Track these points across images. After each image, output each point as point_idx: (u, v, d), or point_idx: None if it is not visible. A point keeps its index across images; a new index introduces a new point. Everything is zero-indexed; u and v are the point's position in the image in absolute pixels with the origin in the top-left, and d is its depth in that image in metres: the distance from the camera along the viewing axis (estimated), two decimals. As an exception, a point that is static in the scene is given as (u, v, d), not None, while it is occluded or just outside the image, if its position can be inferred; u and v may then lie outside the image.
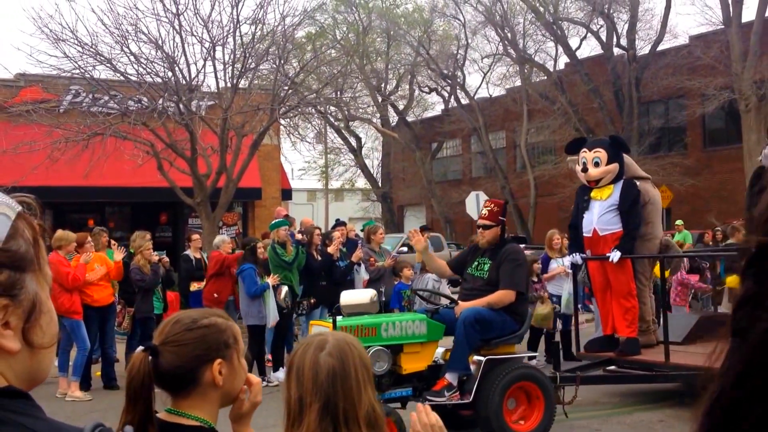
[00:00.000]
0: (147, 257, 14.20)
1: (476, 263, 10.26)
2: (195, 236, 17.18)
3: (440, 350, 10.08)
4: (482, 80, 48.18)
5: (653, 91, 36.60)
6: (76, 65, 20.35)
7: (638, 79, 37.00)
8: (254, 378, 3.07)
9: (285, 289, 13.87)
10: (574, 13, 40.86)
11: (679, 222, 26.67)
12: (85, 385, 13.46)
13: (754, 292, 1.19)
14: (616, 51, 38.83)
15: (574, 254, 12.44)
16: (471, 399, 9.63)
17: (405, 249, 30.10)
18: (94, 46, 20.22)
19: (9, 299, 1.50)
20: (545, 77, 41.64)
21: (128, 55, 20.65)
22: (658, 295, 15.01)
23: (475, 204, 25.75)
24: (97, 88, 21.01)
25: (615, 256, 11.62)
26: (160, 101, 20.64)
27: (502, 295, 9.82)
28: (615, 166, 11.91)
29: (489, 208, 10.40)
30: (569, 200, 23.96)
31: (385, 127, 45.87)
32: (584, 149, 12.18)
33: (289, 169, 47.94)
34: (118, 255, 14.12)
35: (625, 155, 12.54)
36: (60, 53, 20.00)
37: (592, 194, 12.04)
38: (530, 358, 11.19)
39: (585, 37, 40.63)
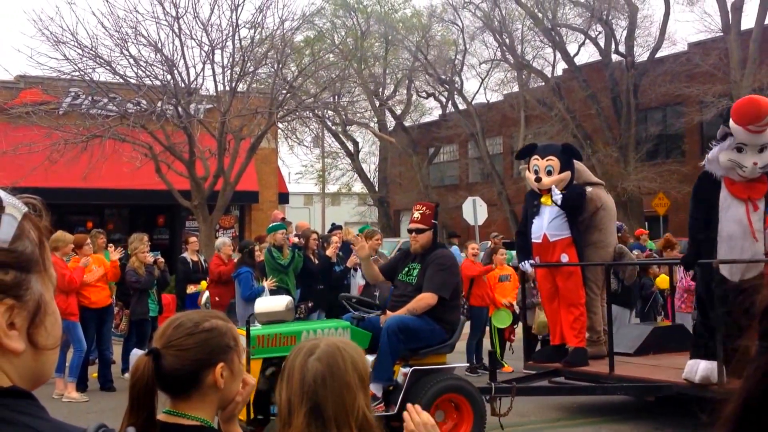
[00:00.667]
0: (142, 259, 14.24)
1: (407, 269, 9.90)
2: (192, 239, 17.19)
3: (369, 359, 9.31)
4: (480, 86, 48.36)
5: (651, 98, 36.59)
6: (76, 67, 20.42)
7: (636, 86, 36.99)
8: (250, 378, 3.11)
9: (206, 295, 13.72)
10: (573, 19, 40.85)
11: (643, 230, 26.42)
12: (82, 386, 13.46)
13: None
14: (615, 57, 38.79)
15: (523, 262, 12.07)
16: (396, 411, 9.13)
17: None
18: (93, 49, 20.31)
19: (14, 300, 1.50)
20: (543, 83, 41.59)
21: (128, 57, 20.75)
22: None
23: (472, 210, 25.80)
24: (96, 90, 21.03)
25: (557, 197, 11.45)
26: (159, 104, 20.69)
27: (422, 299, 9.41)
28: (567, 174, 11.67)
29: (421, 212, 9.94)
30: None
31: (382, 132, 45.87)
32: (536, 156, 11.85)
33: (286, 173, 48.03)
34: (115, 255, 14.12)
35: (578, 162, 12.37)
36: (60, 55, 20.13)
37: (543, 200, 11.75)
38: (474, 369, 10.77)
39: (583, 43, 40.63)
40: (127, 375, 9.66)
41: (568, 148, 12.14)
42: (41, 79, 22.57)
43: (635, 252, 15.91)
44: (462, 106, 46.26)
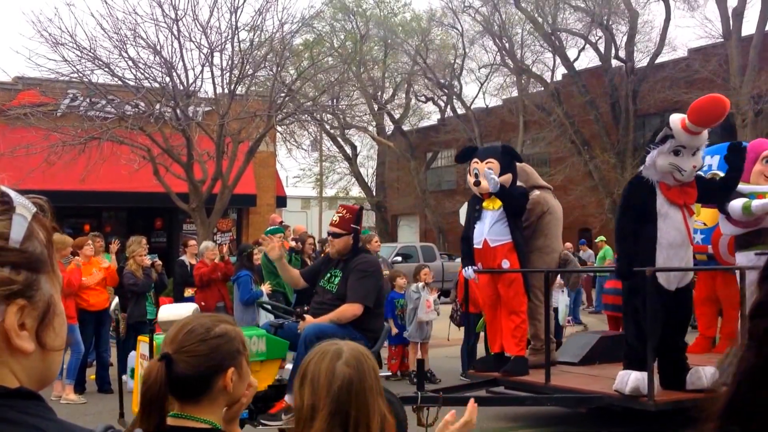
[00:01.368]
0: (139, 262, 14.19)
1: (328, 275, 9.32)
2: (191, 242, 17.13)
3: (290, 367, 9.16)
4: (479, 90, 48.25)
5: (650, 104, 36.57)
6: (75, 69, 20.35)
7: (635, 92, 36.99)
8: (254, 380, 3.13)
9: (116, 300, 13.48)
10: (573, 24, 40.89)
11: (601, 238, 26.34)
12: (80, 388, 13.46)
13: None
14: (614, 63, 38.82)
15: (466, 268, 11.55)
16: None
17: (399, 258, 30.16)
18: (92, 51, 20.24)
19: (26, 300, 1.50)
20: (542, 88, 41.63)
21: (126, 59, 20.67)
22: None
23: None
24: (94, 92, 20.99)
25: (493, 186, 10.87)
26: (157, 106, 20.64)
27: (346, 310, 8.89)
28: (508, 177, 11.17)
29: (341, 215, 9.35)
30: (565, 211, 23.88)
31: (380, 136, 45.95)
32: (475, 159, 11.33)
33: (283, 177, 47.95)
34: (113, 247, 14.07)
35: (525, 165, 12.21)
36: (59, 57, 20.04)
37: (484, 204, 11.28)
38: (386, 377, 10.11)
39: (583, 48, 40.68)
40: (125, 377, 9.58)
41: (509, 150, 11.75)
42: (39, 81, 22.52)
43: None
44: (461, 111, 46.31)
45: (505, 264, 11.11)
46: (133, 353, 9.75)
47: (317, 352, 3.07)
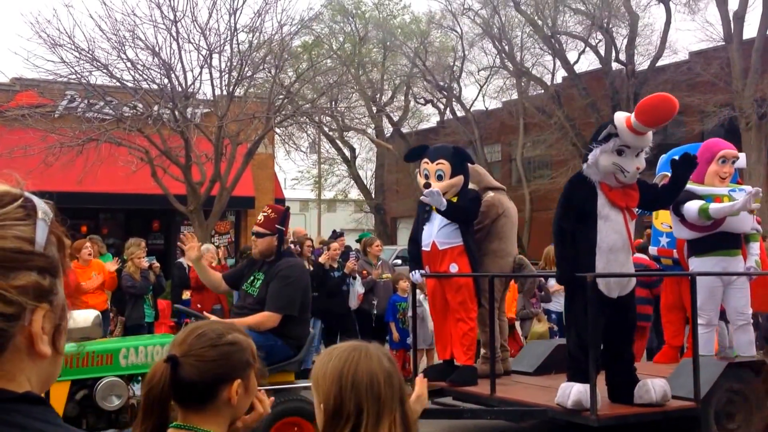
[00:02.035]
0: (138, 265, 14.10)
1: (251, 278, 8.93)
2: (189, 245, 17.01)
3: None
4: (479, 93, 48.10)
5: (651, 107, 36.46)
6: (73, 70, 20.29)
7: (636, 95, 36.84)
8: (267, 406, 3.04)
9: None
10: (573, 27, 40.82)
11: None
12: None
13: None
14: (615, 66, 38.75)
15: (413, 272, 10.97)
16: None
17: (399, 261, 30.04)
18: (91, 52, 20.17)
19: (48, 305, 1.55)
20: (542, 91, 41.58)
21: (125, 61, 20.62)
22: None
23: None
24: (92, 93, 20.92)
25: (438, 205, 10.24)
26: (156, 108, 20.56)
27: (263, 319, 8.44)
28: (460, 179, 10.64)
29: (266, 214, 9.04)
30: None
31: (379, 138, 45.80)
32: (425, 160, 10.77)
33: (282, 179, 47.88)
34: (112, 266, 13.98)
35: (477, 166, 11.79)
36: (57, 58, 19.98)
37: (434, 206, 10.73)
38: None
39: (583, 51, 40.62)
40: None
41: (460, 151, 11.18)
42: (37, 82, 22.47)
43: None
44: (460, 113, 46.20)
45: (454, 268, 10.55)
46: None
47: (343, 354, 2.92)
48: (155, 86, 20.87)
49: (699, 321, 10.15)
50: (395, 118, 48.79)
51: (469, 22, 43.48)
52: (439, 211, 10.44)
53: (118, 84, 21.01)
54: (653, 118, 8.67)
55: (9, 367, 1.51)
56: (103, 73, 20.70)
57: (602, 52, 38.85)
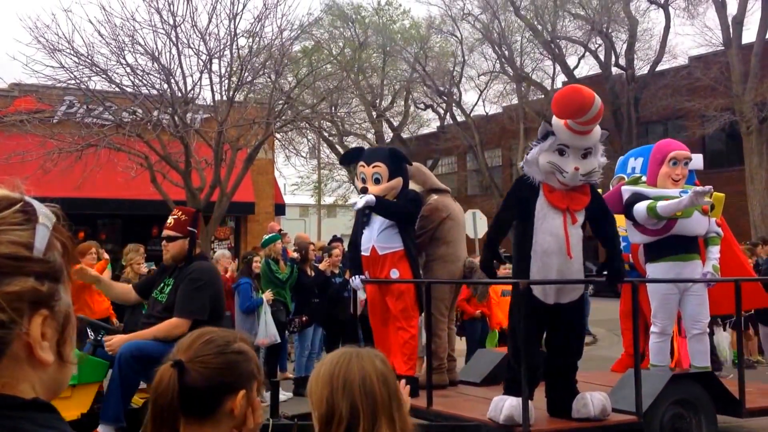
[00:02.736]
0: (137, 271, 14.05)
1: (162, 285, 8.37)
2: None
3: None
4: (479, 98, 48.07)
5: (652, 111, 36.49)
6: (72, 76, 20.21)
7: (637, 99, 36.91)
8: (258, 417, 2.86)
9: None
10: (573, 31, 40.84)
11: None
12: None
13: None
14: (615, 71, 38.77)
15: (353, 277, 10.54)
16: None
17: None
18: (90, 57, 20.12)
19: (48, 311, 1.52)
20: (542, 95, 41.54)
21: (124, 66, 20.57)
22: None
23: (472, 223, 25.54)
24: (92, 99, 20.86)
25: (361, 204, 9.95)
26: (155, 113, 20.51)
27: (170, 327, 7.85)
28: (398, 181, 10.20)
29: (176, 217, 8.47)
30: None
31: (379, 143, 45.70)
32: (361, 163, 10.32)
33: (281, 184, 47.84)
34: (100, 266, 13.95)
35: (420, 166, 11.41)
36: (56, 63, 19.91)
37: None
38: None
39: (583, 56, 40.67)
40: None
41: (396, 153, 10.66)
42: (36, 87, 22.38)
43: None
44: (460, 118, 46.17)
45: (394, 274, 10.05)
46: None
47: (337, 358, 2.92)
48: (155, 91, 20.80)
49: (652, 329, 10.06)
50: (395, 123, 48.72)
51: (469, 27, 43.54)
52: (377, 212, 10.10)
53: (117, 89, 20.95)
54: (563, 108, 8.19)
55: (9, 374, 1.49)
56: (103, 78, 20.66)
57: (602, 56, 38.87)
